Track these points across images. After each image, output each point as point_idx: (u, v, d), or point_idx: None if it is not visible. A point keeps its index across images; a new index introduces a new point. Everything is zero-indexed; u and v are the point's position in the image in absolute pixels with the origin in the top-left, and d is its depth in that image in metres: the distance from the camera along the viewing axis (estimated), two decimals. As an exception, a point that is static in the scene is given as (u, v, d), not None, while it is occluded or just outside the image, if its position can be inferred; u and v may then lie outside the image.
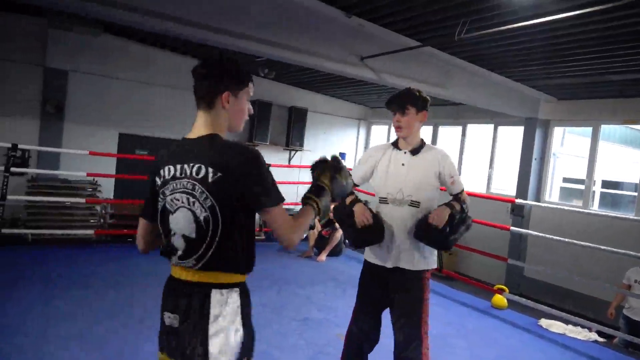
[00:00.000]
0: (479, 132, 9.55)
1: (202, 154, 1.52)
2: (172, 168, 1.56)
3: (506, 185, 8.94)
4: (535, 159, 8.28)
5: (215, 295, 1.52)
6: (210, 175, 1.48)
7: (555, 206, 6.20)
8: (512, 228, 4.97)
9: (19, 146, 5.74)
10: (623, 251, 4.17)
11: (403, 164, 2.46)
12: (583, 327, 4.42)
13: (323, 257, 6.27)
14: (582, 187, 8.03)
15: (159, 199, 1.59)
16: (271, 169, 6.19)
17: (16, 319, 3.31)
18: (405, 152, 2.48)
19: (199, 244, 1.51)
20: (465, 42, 5.24)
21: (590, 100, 7.71)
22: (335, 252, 6.47)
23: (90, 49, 7.97)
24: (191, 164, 1.51)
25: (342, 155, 10.71)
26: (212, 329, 1.49)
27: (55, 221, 6.91)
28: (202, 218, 1.50)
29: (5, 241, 5.42)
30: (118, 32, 7.88)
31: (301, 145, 10.10)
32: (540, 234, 4.79)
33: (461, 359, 3.50)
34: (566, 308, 5.78)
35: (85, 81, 8.06)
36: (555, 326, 4.43)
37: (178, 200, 1.53)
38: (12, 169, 5.47)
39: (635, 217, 5.47)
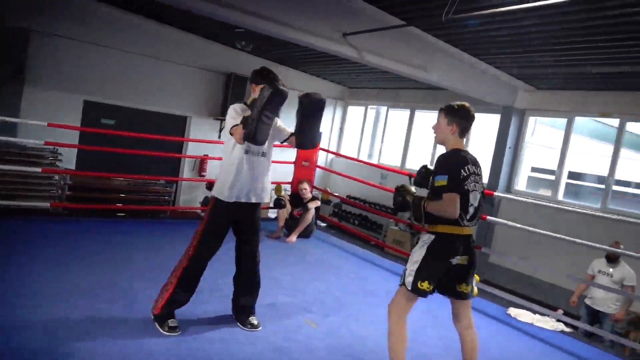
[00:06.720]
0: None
1: (476, 161, 2.73)
2: (470, 167, 2.64)
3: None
4: (509, 148, 8.32)
5: None
6: (482, 173, 2.78)
7: (528, 200, 6.24)
8: (488, 217, 4.94)
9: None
10: (588, 243, 4.21)
11: None
12: (550, 317, 4.47)
13: (293, 238, 6.06)
14: (549, 177, 8.14)
15: (466, 183, 2.59)
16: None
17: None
18: None
19: (477, 213, 2.70)
20: (451, 24, 5.11)
21: (567, 92, 7.76)
22: (305, 234, 6.28)
23: (53, 8, 7.45)
24: (476, 166, 2.70)
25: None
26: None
27: (8, 190, 6.48)
28: (479, 197, 2.70)
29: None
30: (84, -9, 7.39)
31: (275, 122, 9.86)
32: (517, 225, 4.78)
33: (435, 349, 3.45)
34: (528, 295, 5.87)
35: (48, 42, 7.55)
36: (524, 315, 4.47)
37: (474, 185, 2.64)
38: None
39: (602, 214, 5.57)
